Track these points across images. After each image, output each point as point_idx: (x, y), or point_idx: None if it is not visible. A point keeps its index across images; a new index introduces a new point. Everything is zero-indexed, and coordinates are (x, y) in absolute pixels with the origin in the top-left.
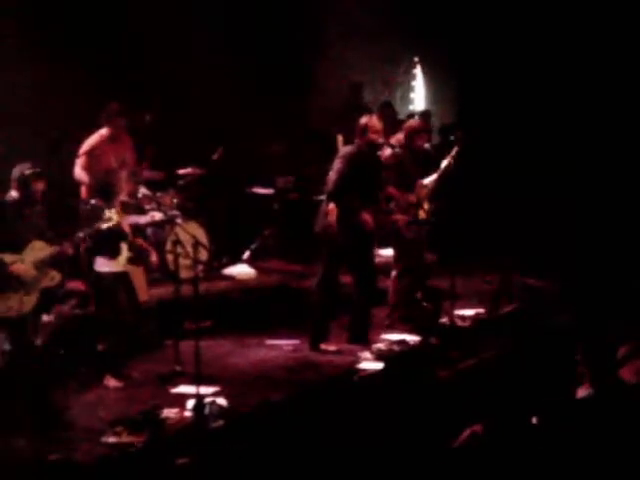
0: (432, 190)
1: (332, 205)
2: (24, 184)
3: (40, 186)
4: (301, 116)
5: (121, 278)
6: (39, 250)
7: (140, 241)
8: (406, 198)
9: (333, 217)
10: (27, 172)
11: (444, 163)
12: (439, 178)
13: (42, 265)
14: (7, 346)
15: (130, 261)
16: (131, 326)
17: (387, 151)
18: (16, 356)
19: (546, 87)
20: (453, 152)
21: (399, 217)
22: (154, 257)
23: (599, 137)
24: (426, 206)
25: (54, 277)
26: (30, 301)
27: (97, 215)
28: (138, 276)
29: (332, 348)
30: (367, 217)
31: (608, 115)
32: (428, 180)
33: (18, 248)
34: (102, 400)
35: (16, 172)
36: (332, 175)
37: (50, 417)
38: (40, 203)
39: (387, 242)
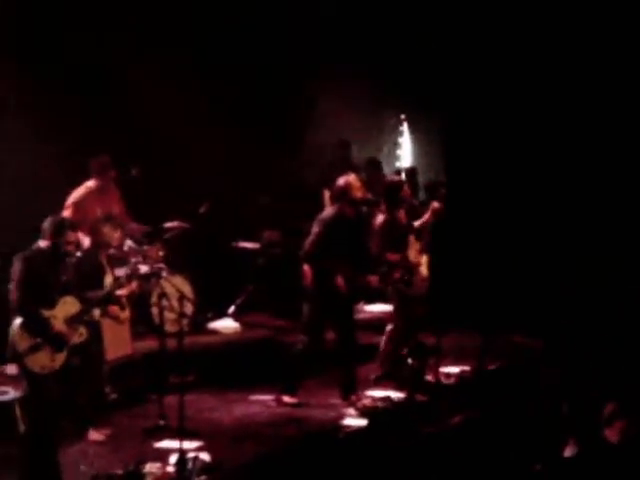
0: (426, 241)
1: (306, 267)
2: (59, 233)
3: (74, 237)
4: (289, 172)
5: (95, 328)
6: (70, 305)
7: (113, 309)
8: (405, 258)
9: (307, 279)
10: (64, 220)
11: (432, 206)
12: (429, 222)
13: (73, 321)
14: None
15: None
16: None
17: (379, 217)
18: (37, 412)
19: (533, 144)
20: (440, 196)
21: (372, 278)
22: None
23: (586, 193)
24: (425, 258)
25: (82, 333)
26: (60, 358)
27: (90, 264)
28: (123, 329)
29: (292, 401)
30: (340, 282)
31: (596, 168)
32: (418, 223)
33: (51, 303)
34: (84, 454)
35: (49, 222)
36: (309, 237)
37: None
38: (72, 255)
39: (374, 298)
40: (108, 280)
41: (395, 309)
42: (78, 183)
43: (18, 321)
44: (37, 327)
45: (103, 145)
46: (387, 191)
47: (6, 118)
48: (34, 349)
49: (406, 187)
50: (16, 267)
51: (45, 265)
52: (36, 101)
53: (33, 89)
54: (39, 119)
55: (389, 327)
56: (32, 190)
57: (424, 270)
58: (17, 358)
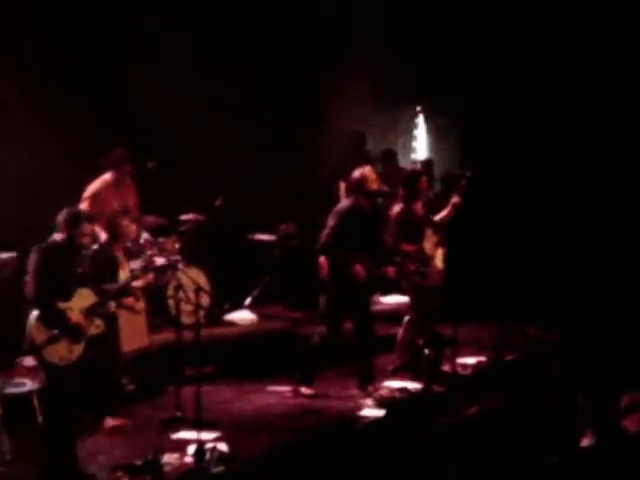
0: (444, 235)
1: (322, 259)
2: (74, 225)
3: (89, 229)
4: (304, 165)
5: (112, 320)
6: (86, 297)
7: (128, 300)
8: (417, 249)
9: (324, 271)
10: (79, 212)
11: (453, 200)
12: (449, 216)
13: (89, 313)
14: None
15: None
16: (121, 369)
17: (395, 207)
18: (55, 404)
19: (550, 136)
20: (460, 189)
21: (389, 269)
22: (140, 306)
23: (604, 186)
24: (441, 251)
25: (99, 325)
26: (78, 349)
27: (105, 257)
28: (140, 321)
29: (309, 392)
30: (359, 269)
31: (615, 161)
32: (437, 217)
33: (67, 295)
34: (102, 445)
35: (64, 214)
36: (325, 230)
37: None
38: (88, 248)
39: (390, 289)
40: (123, 274)
41: (411, 301)
42: (78, 183)
43: (35, 314)
44: (53, 319)
45: (103, 145)
46: (407, 180)
47: (6, 118)
48: (52, 341)
49: (424, 179)
50: (32, 259)
51: (61, 257)
52: (36, 101)
53: (33, 89)
54: (39, 119)
55: (406, 318)
56: (32, 190)
57: (439, 263)
58: (35, 350)
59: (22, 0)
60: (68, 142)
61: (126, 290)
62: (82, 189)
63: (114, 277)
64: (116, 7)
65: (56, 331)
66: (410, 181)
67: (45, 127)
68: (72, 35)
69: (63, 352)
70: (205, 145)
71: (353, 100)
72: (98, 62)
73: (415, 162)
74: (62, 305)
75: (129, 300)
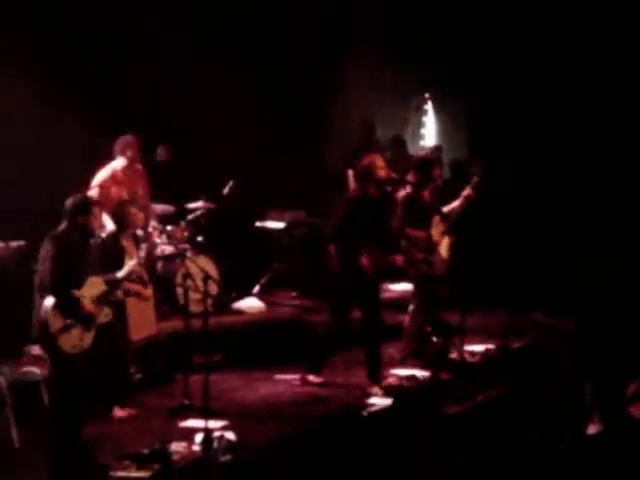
0: (452, 224)
1: (332, 247)
2: (82, 211)
3: (97, 216)
4: (314, 152)
5: (120, 308)
6: (96, 285)
7: (134, 287)
8: (425, 236)
9: (333, 260)
10: (87, 199)
11: (465, 192)
12: (460, 208)
13: (99, 301)
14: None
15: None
16: (130, 358)
17: (402, 191)
18: (63, 392)
19: (560, 125)
20: (473, 183)
21: (398, 257)
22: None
23: (614, 170)
24: (447, 240)
25: (108, 313)
26: (88, 338)
27: (111, 247)
28: (147, 310)
29: (317, 380)
30: (365, 261)
31: (623, 145)
32: (447, 208)
33: (78, 283)
34: (111, 434)
35: (71, 202)
36: (334, 218)
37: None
38: (97, 235)
39: (399, 277)
40: (130, 262)
41: (415, 289)
42: (78, 183)
43: (50, 301)
44: (70, 307)
45: (103, 144)
46: (420, 165)
47: (6, 118)
48: (66, 329)
49: (438, 166)
50: (47, 247)
51: (72, 245)
52: (36, 101)
53: (33, 89)
54: (39, 119)
55: (411, 307)
56: (32, 190)
57: (443, 252)
58: (49, 338)
59: (22, 0)
60: (68, 142)
61: (131, 278)
62: (82, 189)
63: (120, 266)
64: (116, 7)
65: (70, 320)
66: (423, 167)
67: (45, 127)
68: (72, 35)
69: (75, 340)
70: (206, 144)
71: (362, 87)
72: (98, 62)
73: (424, 149)
74: (75, 293)
75: (136, 286)
